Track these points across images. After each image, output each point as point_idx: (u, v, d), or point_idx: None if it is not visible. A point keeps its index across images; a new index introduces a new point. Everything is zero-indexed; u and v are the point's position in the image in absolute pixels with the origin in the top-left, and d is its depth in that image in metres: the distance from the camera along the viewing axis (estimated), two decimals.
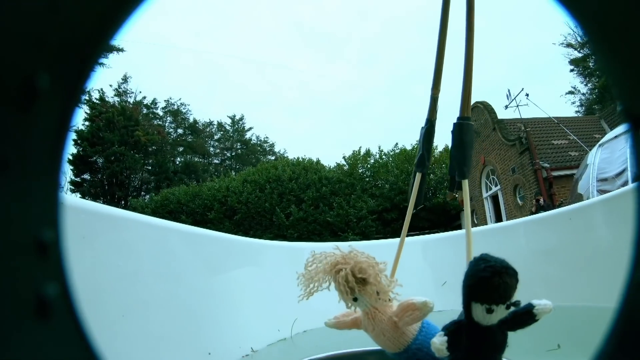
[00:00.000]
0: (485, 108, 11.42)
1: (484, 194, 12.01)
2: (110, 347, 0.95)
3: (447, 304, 1.72)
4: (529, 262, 1.89)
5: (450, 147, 1.08)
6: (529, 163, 9.39)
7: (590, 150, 5.32)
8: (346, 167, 17.96)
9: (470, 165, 1.06)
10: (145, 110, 24.21)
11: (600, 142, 5.65)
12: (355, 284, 0.82)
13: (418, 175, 1.11)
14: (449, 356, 0.68)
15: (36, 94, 0.17)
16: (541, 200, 7.88)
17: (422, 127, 1.13)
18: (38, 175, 0.19)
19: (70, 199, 0.97)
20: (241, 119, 26.39)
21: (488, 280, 0.62)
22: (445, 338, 0.67)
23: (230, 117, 26.56)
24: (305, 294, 0.87)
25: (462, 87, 1.08)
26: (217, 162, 26.53)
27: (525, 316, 0.68)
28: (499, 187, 11.05)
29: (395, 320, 0.83)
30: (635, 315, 0.18)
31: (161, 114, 25.21)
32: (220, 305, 1.05)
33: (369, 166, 18.30)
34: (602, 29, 0.18)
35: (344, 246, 0.87)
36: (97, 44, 0.20)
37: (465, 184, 1.04)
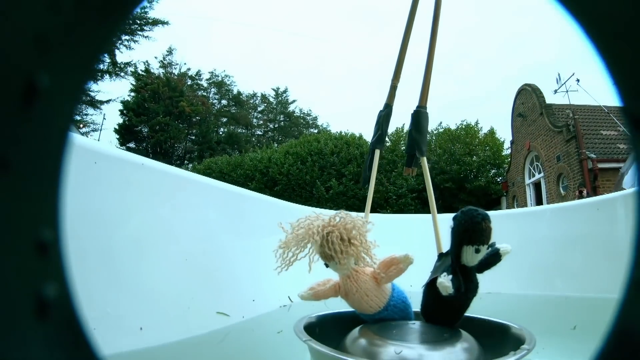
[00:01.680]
0: (533, 91, 11.02)
1: (527, 181, 11.71)
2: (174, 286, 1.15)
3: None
4: (550, 248, 1.97)
5: (409, 130, 1.26)
6: (575, 152, 9.05)
7: None
8: (388, 144, 17.70)
9: (426, 145, 1.25)
10: (189, 82, 24.60)
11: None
12: (343, 247, 0.86)
13: (376, 152, 1.22)
14: (436, 296, 0.85)
15: (37, 93, 0.17)
16: (584, 192, 7.61)
17: (381, 111, 1.28)
18: (39, 175, 0.18)
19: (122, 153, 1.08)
20: (285, 91, 26.44)
21: (479, 224, 0.80)
22: (451, 277, 0.82)
23: (274, 90, 26.64)
24: (284, 264, 0.89)
25: (422, 79, 1.26)
26: (259, 133, 26.79)
27: (493, 257, 0.85)
28: (542, 174, 10.73)
29: (378, 278, 0.89)
30: (636, 313, 0.17)
31: (205, 85, 25.55)
32: (262, 261, 1.13)
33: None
34: (601, 28, 0.18)
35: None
36: (98, 42, 0.20)
37: (424, 161, 1.21)
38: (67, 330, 0.19)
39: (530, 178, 11.65)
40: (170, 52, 23.86)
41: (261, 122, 26.74)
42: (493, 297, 1.82)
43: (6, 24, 0.16)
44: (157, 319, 1.04)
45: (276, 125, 26.55)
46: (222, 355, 0.93)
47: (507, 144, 15.33)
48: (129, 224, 1.09)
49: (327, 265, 0.89)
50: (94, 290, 0.93)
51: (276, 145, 21.29)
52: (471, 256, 0.82)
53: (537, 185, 11.23)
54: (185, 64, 25.41)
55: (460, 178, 15.30)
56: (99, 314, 0.91)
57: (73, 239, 0.88)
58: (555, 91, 10.83)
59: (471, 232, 0.80)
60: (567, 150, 9.37)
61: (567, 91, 10.46)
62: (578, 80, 10.44)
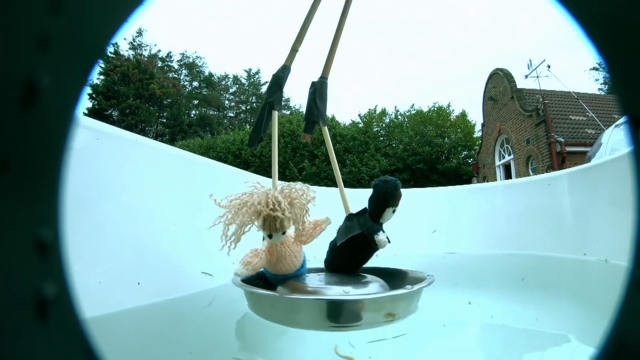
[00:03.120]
0: (505, 76, 11.20)
1: (497, 162, 11.99)
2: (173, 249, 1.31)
3: (436, 248, 2.18)
4: (507, 218, 2.25)
5: (310, 99, 1.28)
6: (544, 135, 9.30)
7: (606, 129, 5.25)
8: (361, 125, 17.71)
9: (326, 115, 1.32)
10: (160, 64, 24.00)
11: (617, 123, 5.60)
12: (283, 224, 0.93)
13: (274, 113, 1.23)
14: (346, 250, 1.04)
15: (38, 92, 0.17)
16: None
17: (279, 71, 1.27)
18: (39, 174, 0.18)
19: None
20: (257, 72, 26.13)
21: (397, 189, 1.01)
22: (386, 234, 1.01)
23: (246, 71, 26.27)
24: (230, 241, 0.93)
25: (328, 51, 1.31)
26: (232, 115, 26.47)
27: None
28: (512, 156, 11.00)
29: (304, 239, 1.01)
30: (636, 315, 0.17)
31: (176, 67, 25.01)
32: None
33: (384, 125, 18.08)
34: (601, 27, 0.18)
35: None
36: (100, 41, 0.20)
37: (326, 129, 1.27)
38: (67, 331, 0.19)
39: (500, 160, 11.94)
40: (140, 33, 23.16)
41: (233, 103, 26.42)
42: (455, 256, 2.11)
43: (7, 23, 0.16)
44: (152, 277, 1.16)
45: (248, 107, 26.28)
46: (209, 317, 1.03)
47: (478, 127, 15.59)
48: (130, 192, 1.22)
49: (270, 237, 0.95)
50: (100, 248, 1.06)
51: (248, 126, 21.09)
52: (389, 216, 1.02)
53: (507, 167, 11.53)
54: (155, 45, 24.95)
55: (432, 159, 15.56)
56: (104, 269, 1.03)
57: (82, 206, 1.03)
58: (527, 76, 11.07)
59: (394, 197, 1.01)
60: (536, 134, 9.63)
61: (537, 76, 10.71)
62: (549, 66, 10.68)
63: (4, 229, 0.17)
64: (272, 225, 0.93)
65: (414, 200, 2.39)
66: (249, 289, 0.94)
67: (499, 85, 11.45)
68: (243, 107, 26.47)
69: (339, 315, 0.84)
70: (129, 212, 1.20)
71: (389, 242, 1.01)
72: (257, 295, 0.94)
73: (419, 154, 15.54)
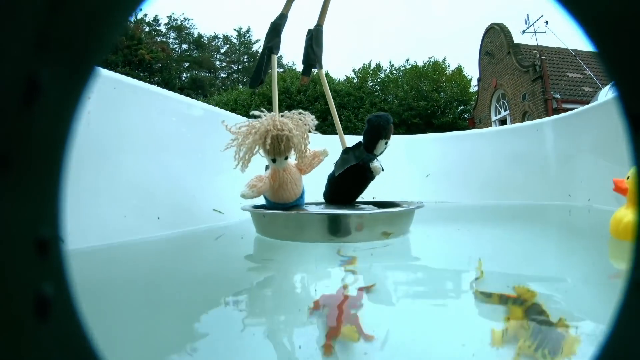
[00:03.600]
0: (501, 30, 10.99)
1: (493, 117, 11.97)
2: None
3: (429, 193, 2.28)
4: (497, 164, 2.33)
5: (307, 45, 1.40)
6: (540, 92, 9.26)
7: (603, 88, 5.23)
8: (355, 81, 17.42)
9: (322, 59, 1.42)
10: (147, 28, 23.24)
11: (614, 82, 5.57)
12: (288, 146, 1.04)
13: (273, 57, 1.34)
14: (345, 181, 1.16)
15: (39, 90, 0.17)
16: None
17: (277, 18, 1.37)
18: (39, 172, 0.18)
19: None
20: (247, 31, 25.42)
21: (390, 123, 1.13)
22: (380, 162, 1.15)
23: (236, 30, 25.63)
24: (242, 161, 1.03)
25: (323, 1, 1.43)
26: (224, 76, 25.97)
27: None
28: (507, 112, 10.96)
29: (304, 168, 1.12)
30: (636, 315, 0.17)
31: (164, 30, 24.20)
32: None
33: (378, 80, 17.80)
34: (601, 27, 0.18)
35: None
36: (101, 40, 0.20)
37: (322, 73, 1.39)
38: (67, 331, 0.19)
39: (496, 115, 11.91)
40: None
41: (224, 64, 25.85)
42: (446, 204, 2.22)
43: (8, 22, 0.15)
44: (170, 211, 1.27)
45: (240, 67, 25.74)
46: (217, 249, 1.10)
47: (474, 82, 15.39)
48: (147, 137, 1.29)
49: (274, 161, 1.06)
50: (123, 185, 1.15)
51: (241, 86, 20.75)
52: (382, 147, 1.15)
53: (503, 123, 11.47)
54: (141, 9, 23.89)
55: (427, 114, 15.46)
56: (128, 206, 1.14)
57: (105, 150, 1.11)
58: (524, 31, 10.82)
59: (386, 130, 1.13)
60: (532, 90, 9.57)
61: (535, 32, 10.47)
62: (547, 22, 10.42)
63: (3, 227, 0.16)
64: (276, 149, 1.02)
65: (407, 148, 2.55)
66: (263, 212, 1.07)
67: (496, 40, 11.27)
68: (235, 67, 25.94)
69: (343, 228, 0.97)
70: (147, 156, 1.27)
71: (382, 169, 1.16)
72: (271, 216, 1.06)
73: (414, 108, 15.42)
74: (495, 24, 11.32)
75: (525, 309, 0.45)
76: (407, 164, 2.48)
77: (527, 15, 10.75)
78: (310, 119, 1.06)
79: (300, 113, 1.07)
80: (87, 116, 1.05)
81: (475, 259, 0.79)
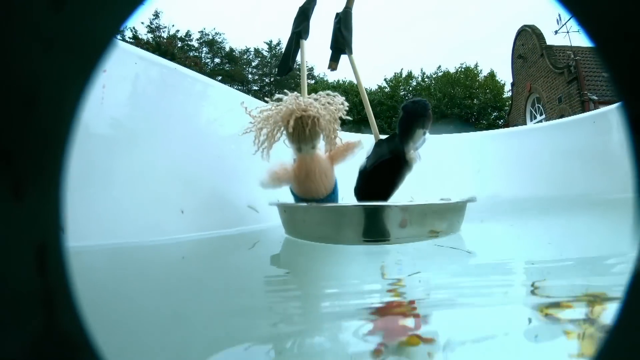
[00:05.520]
0: (533, 32, 10.70)
1: (528, 122, 11.64)
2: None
3: (483, 188, 2.14)
4: (552, 159, 2.25)
5: (336, 28, 1.31)
6: (576, 93, 8.92)
7: None
8: (387, 90, 17.46)
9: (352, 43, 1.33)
10: (180, 44, 23.89)
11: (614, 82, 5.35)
12: (314, 132, 0.92)
13: (302, 42, 1.28)
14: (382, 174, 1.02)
15: (40, 88, 0.17)
16: None
17: (306, 3, 1.32)
18: (40, 170, 0.18)
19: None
20: (278, 44, 25.74)
21: (428, 109, 1.01)
22: (417, 152, 1.03)
23: (266, 43, 25.95)
24: (262, 146, 0.95)
25: None
26: (256, 88, 26.33)
27: (422, 142, 1.06)
28: (544, 116, 10.61)
29: (335, 158, 0.99)
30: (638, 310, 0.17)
31: (196, 45, 24.80)
32: None
33: (410, 89, 17.77)
34: (601, 28, 0.18)
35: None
36: (103, 38, 0.20)
37: (352, 57, 1.28)
38: (68, 329, 0.19)
39: (531, 120, 11.56)
40: (156, 15, 23.08)
41: (256, 77, 26.29)
42: (498, 198, 2.12)
43: (9, 20, 0.15)
44: (195, 206, 1.15)
45: (272, 79, 26.11)
46: (251, 257, 0.92)
47: (507, 87, 15.08)
48: (175, 122, 1.20)
49: (299, 150, 0.93)
50: (146, 180, 1.05)
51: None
52: (419, 137, 1.01)
53: None
54: (173, 25, 24.72)
55: (461, 122, 15.23)
56: (148, 198, 1.03)
57: (135, 134, 1.05)
58: (556, 32, 10.51)
59: (424, 117, 1.00)
60: (568, 92, 9.24)
61: (567, 32, 10.15)
62: None
63: (5, 225, 0.16)
64: (301, 134, 0.90)
65: (457, 146, 2.48)
66: (284, 205, 0.96)
67: (528, 43, 10.98)
68: (267, 80, 26.31)
69: (388, 227, 0.83)
70: (173, 142, 1.18)
71: (420, 158, 1.03)
72: (291, 210, 0.95)
73: (447, 116, 15.24)
74: (526, 26, 11.04)
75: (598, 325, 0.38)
76: (458, 161, 2.43)
77: (559, 15, 10.45)
78: (340, 101, 0.96)
79: (328, 95, 0.96)
80: (101, 90, 0.99)
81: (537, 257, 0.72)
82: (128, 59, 1.08)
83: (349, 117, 0.98)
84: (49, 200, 0.19)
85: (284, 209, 0.96)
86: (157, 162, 1.11)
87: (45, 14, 0.17)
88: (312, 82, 23.23)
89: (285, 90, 0.96)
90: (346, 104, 0.97)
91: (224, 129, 1.38)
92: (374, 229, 0.84)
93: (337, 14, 1.31)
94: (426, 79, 17.94)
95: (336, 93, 0.98)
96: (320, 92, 0.97)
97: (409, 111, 1.02)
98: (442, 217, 0.91)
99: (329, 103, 0.94)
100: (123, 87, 1.05)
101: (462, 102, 15.49)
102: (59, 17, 0.17)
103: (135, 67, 1.09)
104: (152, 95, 1.13)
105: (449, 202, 0.97)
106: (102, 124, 0.99)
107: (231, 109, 1.38)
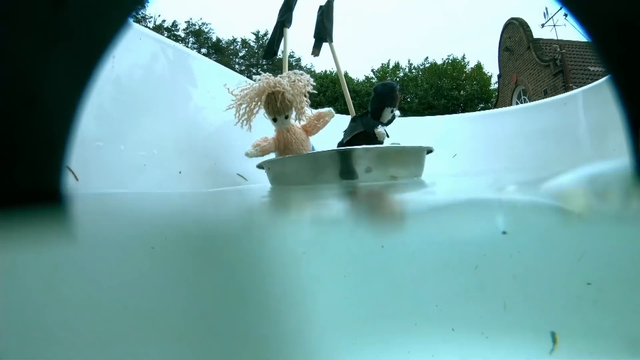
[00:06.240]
0: (520, 25, 10.83)
1: None
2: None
3: (458, 171, 2.14)
4: (526, 139, 2.20)
5: (319, 19, 1.42)
6: (561, 86, 9.05)
7: None
8: (375, 81, 17.38)
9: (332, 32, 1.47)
10: (166, 34, 23.50)
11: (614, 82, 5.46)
12: (284, 104, 1.04)
13: (286, 30, 1.36)
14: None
15: (42, 87, 0.17)
16: None
17: None
18: (42, 168, 0.18)
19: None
20: (265, 34, 25.46)
21: (395, 90, 1.15)
22: (385, 128, 1.16)
23: (254, 34, 25.61)
24: (241, 119, 1.06)
25: None
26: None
27: (390, 120, 1.19)
28: None
29: (309, 130, 1.13)
30: None
31: (183, 35, 24.33)
32: None
33: (398, 80, 17.70)
34: (602, 28, 0.18)
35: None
36: (104, 37, 0.20)
37: (333, 46, 1.40)
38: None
39: None
40: (142, 5, 22.76)
41: (244, 67, 26.03)
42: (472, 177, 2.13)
43: (10, 20, 0.16)
44: (192, 167, 1.21)
45: (259, 69, 25.92)
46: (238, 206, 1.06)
47: (494, 79, 15.23)
48: (175, 94, 1.22)
49: (274, 120, 1.07)
50: (146, 134, 1.09)
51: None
52: (388, 115, 1.16)
53: None
54: (159, 15, 24.16)
55: (448, 113, 15.34)
56: (149, 153, 1.06)
57: (139, 99, 1.05)
58: (543, 25, 10.66)
59: (391, 97, 1.14)
60: (554, 84, 9.41)
61: (554, 25, 10.31)
62: (566, 15, 10.16)
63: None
64: (274, 107, 1.04)
65: (434, 128, 2.46)
66: (274, 159, 1.07)
67: (515, 35, 11.11)
68: (254, 70, 26.09)
69: (357, 168, 0.95)
70: (180, 112, 1.25)
71: (387, 135, 1.17)
72: (283, 161, 1.06)
73: (434, 107, 15.30)
74: (514, 18, 11.16)
75: None
76: (434, 143, 2.44)
77: (546, 9, 10.58)
78: (307, 78, 1.07)
79: (295, 73, 1.07)
80: (111, 60, 1.05)
81: None
82: (140, 39, 1.13)
83: (314, 92, 1.09)
84: (50, 196, 0.20)
85: (282, 161, 1.07)
86: (162, 129, 1.17)
87: (45, 13, 0.17)
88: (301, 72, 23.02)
89: (262, 73, 1.08)
90: (311, 80, 1.08)
91: (217, 101, 1.48)
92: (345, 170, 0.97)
93: (320, 7, 1.43)
94: (413, 70, 17.93)
95: (302, 72, 1.08)
96: (289, 72, 1.08)
97: (379, 92, 1.17)
98: (401, 161, 1.03)
99: (296, 80, 1.06)
100: (133, 61, 1.12)
101: (449, 94, 15.56)
102: (59, 17, 0.17)
103: (147, 45, 1.16)
104: (161, 72, 1.19)
105: (405, 145, 1.07)
106: (112, 90, 1.06)
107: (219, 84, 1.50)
